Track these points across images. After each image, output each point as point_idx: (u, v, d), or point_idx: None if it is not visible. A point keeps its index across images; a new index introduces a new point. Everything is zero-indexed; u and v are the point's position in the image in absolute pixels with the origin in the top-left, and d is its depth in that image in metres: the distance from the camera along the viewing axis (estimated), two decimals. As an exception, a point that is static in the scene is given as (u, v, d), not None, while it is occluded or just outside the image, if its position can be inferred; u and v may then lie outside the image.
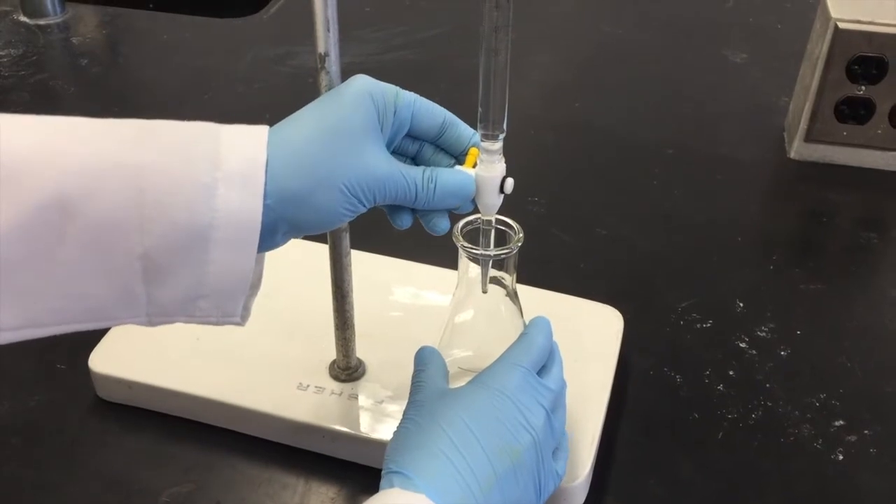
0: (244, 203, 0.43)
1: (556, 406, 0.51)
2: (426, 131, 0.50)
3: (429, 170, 0.49)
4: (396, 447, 0.47)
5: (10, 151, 0.39)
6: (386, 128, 0.48)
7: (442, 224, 0.51)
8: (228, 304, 0.45)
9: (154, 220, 0.41)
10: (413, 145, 0.51)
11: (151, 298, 0.43)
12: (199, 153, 0.43)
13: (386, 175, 0.47)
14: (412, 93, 0.49)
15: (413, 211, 0.50)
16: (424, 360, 0.53)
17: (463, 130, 0.51)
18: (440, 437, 0.47)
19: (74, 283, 0.41)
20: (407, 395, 0.52)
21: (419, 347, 0.54)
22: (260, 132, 0.44)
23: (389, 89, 0.48)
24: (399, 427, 0.49)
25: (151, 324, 0.45)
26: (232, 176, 0.42)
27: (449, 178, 0.49)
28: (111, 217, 0.41)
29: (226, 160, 0.43)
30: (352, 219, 0.48)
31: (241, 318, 0.46)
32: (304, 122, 0.46)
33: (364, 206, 0.47)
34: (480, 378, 0.50)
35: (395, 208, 0.50)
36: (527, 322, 0.54)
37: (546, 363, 0.52)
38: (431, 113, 0.50)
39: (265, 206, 0.43)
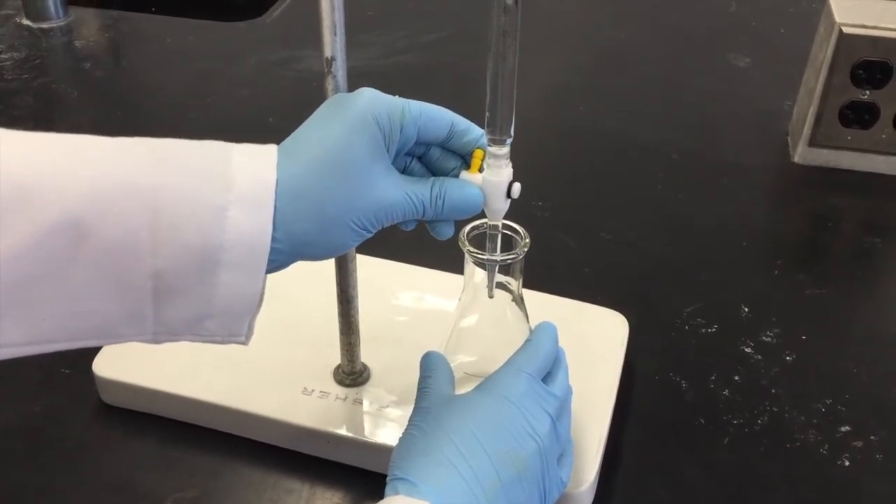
0: (254, 226, 0.43)
1: (561, 413, 0.51)
2: (433, 139, 0.50)
3: (437, 185, 0.48)
4: (402, 453, 0.47)
5: (22, 172, 0.39)
6: (392, 148, 0.47)
7: (447, 231, 0.51)
8: (234, 324, 0.45)
9: (167, 243, 0.41)
10: (419, 148, 0.51)
11: (159, 318, 0.43)
12: (211, 175, 0.42)
13: (394, 203, 0.47)
14: (419, 103, 0.48)
15: None
16: (431, 366, 0.53)
17: (471, 136, 0.50)
18: (446, 444, 0.46)
19: (83, 301, 0.41)
20: (411, 399, 0.51)
21: (426, 352, 0.54)
22: (269, 153, 0.44)
23: (395, 108, 0.47)
24: (404, 433, 0.49)
25: (157, 342, 0.45)
26: (242, 198, 0.42)
27: (457, 193, 0.49)
28: (124, 239, 0.41)
29: (237, 183, 0.43)
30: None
31: (246, 338, 0.47)
32: (309, 153, 0.45)
33: (371, 232, 0.47)
34: (486, 385, 0.50)
35: None
36: (532, 327, 0.54)
37: (552, 369, 0.52)
38: (438, 123, 0.49)
39: (276, 249, 0.43)
